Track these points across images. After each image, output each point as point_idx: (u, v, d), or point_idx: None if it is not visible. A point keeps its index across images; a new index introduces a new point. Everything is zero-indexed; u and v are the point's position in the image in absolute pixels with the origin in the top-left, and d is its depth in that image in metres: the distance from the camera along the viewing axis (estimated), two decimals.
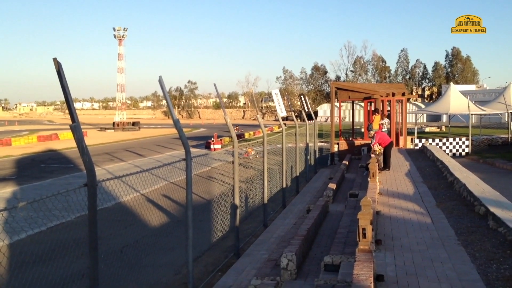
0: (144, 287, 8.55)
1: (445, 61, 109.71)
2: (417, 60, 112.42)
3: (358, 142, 24.57)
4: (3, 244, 9.36)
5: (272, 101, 19.15)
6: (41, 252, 9.34)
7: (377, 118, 20.43)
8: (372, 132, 16.86)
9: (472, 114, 34.06)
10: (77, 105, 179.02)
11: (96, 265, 4.92)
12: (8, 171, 26.68)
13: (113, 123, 77.85)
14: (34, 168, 28.07)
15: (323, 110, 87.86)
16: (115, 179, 5.85)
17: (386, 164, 15.69)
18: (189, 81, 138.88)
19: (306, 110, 23.04)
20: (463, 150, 29.95)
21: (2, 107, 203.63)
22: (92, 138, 49.46)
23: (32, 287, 7.15)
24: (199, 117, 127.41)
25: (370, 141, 17.98)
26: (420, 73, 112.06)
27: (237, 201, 9.57)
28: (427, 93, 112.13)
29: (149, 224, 12.27)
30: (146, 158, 32.17)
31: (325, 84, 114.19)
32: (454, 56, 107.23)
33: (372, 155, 15.67)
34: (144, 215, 12.94)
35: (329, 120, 29.99)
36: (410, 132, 32.93)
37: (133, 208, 13.72)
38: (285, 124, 15.08)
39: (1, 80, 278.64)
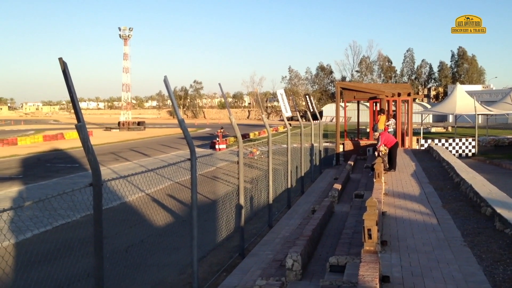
0: (149, 286, 8.56)
1: (451, 61, 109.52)
2: (422, 60, 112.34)
3: (363, 142, 24.50)
4: (9, 243, 9.38)
5: (277, 101, 19.12)
6: (46, 251, 9.37)
7: (382, 118, 20.38)
8: (377, 134, 16.78)
9: (478, 115, 33.93)
10: (82, 105, 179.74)
11: (101, 265, 4.92)
12: (14, 170, 26.80)
13: (119, 123, 78.07)
14: (39, 167, 28.18)
15: (328, 110, 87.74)
16: (120, 179, 5.85)
17: (391, 165, 15.63)
18: (194, 81, 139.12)
19: (311, 110, 23.02)
20: (469, 150, 29.83)
21: (8, 106, 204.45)
22: (97, 138, 49.61)
23: (38, 286, 7.17)
24: (204, 117, 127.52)
25: (375, 142, 17.94)
26: (426, 73, 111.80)
27: (242, 201, 9.56)
28: (433, 93, 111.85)
29: (154, 224, 12.28)
30: (151, 158, 32.23)
31: (330, 84, 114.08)
32: (460, 56, 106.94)
33: (378, 154, 15.62)
34: (149, 214, 12.95)
35: (334, 120, 29.93)
36: (416, 133, 32.85)
37: (138, 207, 13.74)
38: (290, 124, 15.06)
39: (7, 79, 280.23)
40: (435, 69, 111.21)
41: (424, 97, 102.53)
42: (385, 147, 15.78)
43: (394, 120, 22.20)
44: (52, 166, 28.55)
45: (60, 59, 4.33)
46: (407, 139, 25.51)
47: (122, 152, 36.62)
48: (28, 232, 11.23)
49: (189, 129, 7.04)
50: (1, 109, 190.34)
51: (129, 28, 79.84)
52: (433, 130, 54.43)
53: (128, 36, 79.46)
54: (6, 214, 4.25)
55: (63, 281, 7.84)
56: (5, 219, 4.57)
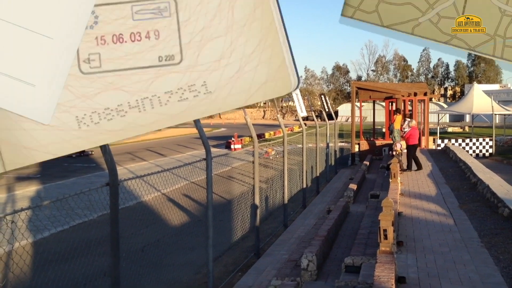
0: (165, 286, 8.61)
1: (467, 60, 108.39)
2: (439, 59, 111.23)
3: (379, 142, 24.36)
4: (27, 242, 9.51)
5: (293, 101, 19.13)
6: (63, 250, 9.46)
7: (398, 118, 20.23)
8: (407, 121, 16.53)
9: (496, 114, 33.52)
10: None
11: (118, 264, 4.96)
12: (32, 170, 27.10)
13: None
14: (57, 167, 28.43)
15: (344, 110, 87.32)
16: (137, 179, 5.89)
17: (409, 165, 15.53)
18: None
19: (327, 110, 22.97)
20: (487, 150, 29.48)
21: None
22: None
23: (55, 284, 7.25)
24: (220, 117, 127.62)
25: (391, 141, 17.86)
26: (443, 73, 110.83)
27: (257, 201, 9.57)
28: (449, 92, 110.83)
29: (170, 224, 12.34)
30: (167, 158, 32.38)
31: (346, 83, 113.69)
32: (477, 55, 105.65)
33: (395, 151, 15.55)
34: (165, 214, 13.01)
35: (349, 120, 29.82)
36: (432, 132, 32.56)
37: (154, 207, 13.81)
38: (305, 124, 15.04)
39: None
40: (452, 68, 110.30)
41: (441, 96, 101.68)
42: (402, 147, 15.70)
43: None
44: (69, 166, 28.82)
45: None
46: (423, 139, 25.32)
47: (138, 152, 36.87)
48: (46, 231, 11.34)
49: (204, 129, 7.07)
50: None
51: None
52: (450, 130, 53.94)
53: None
54: (24, 213, 4.32)
55: (80, 280, 7.93)
56: (23, 218, 4.64)
